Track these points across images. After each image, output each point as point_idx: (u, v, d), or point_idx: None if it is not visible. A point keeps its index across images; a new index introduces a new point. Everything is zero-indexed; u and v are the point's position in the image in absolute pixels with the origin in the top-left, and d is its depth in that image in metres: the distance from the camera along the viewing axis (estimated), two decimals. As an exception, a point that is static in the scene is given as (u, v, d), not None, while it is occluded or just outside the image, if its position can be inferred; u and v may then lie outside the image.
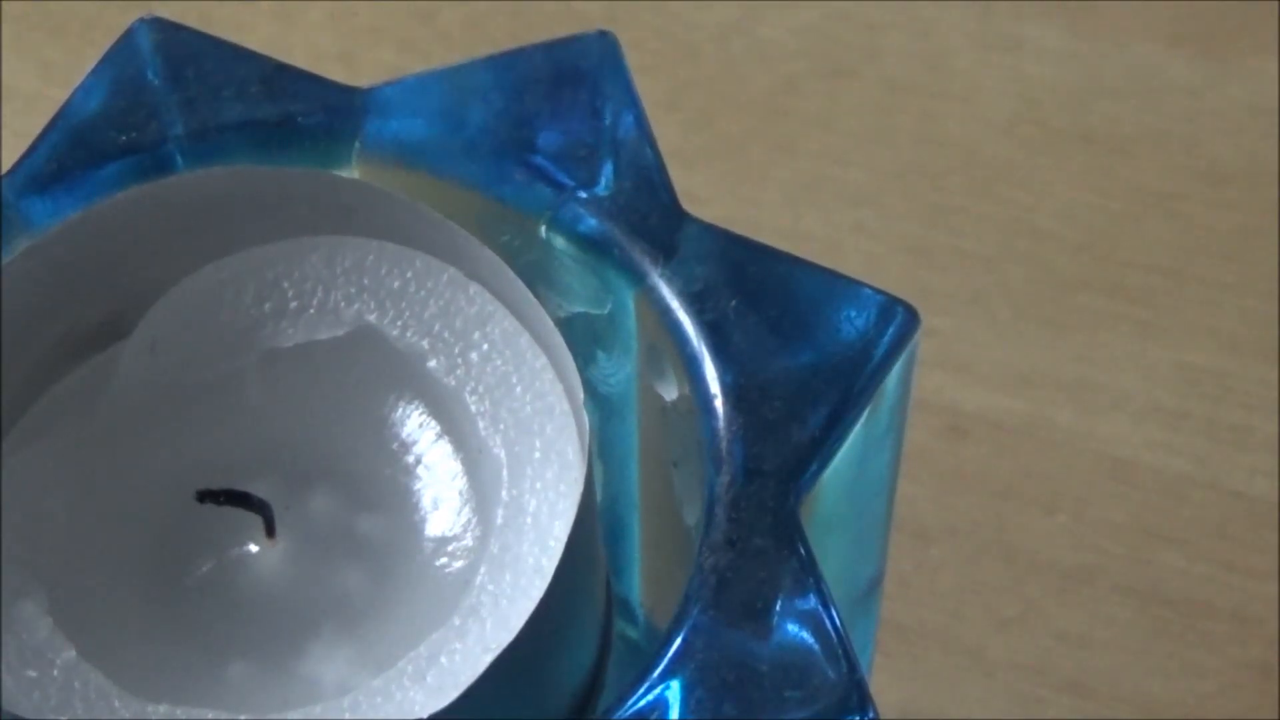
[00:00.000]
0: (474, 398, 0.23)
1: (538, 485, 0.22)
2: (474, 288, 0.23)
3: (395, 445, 0.24)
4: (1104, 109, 0.42)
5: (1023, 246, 0.40)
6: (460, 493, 0.23)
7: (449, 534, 0.23)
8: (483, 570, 0.22)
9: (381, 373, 0.23)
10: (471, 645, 0.21)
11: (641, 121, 0.24)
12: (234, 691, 0.22)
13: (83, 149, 0.24)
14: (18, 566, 0.22)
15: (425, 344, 0.23)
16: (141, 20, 0.25)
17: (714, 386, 0.22)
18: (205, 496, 0.23)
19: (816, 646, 0.21)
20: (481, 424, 0.23)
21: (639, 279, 0.23)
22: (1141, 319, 0.39)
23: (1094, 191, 0.41)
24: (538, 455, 0.22)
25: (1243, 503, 0.37)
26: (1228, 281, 0.40)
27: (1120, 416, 0.38)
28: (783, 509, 0.21)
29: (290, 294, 0.23)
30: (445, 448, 0.23)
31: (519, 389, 0.23)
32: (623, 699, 0.20)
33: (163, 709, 0.21)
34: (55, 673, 0.21)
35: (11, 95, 0.43)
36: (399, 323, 0.23)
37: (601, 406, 0.25)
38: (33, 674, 0.21)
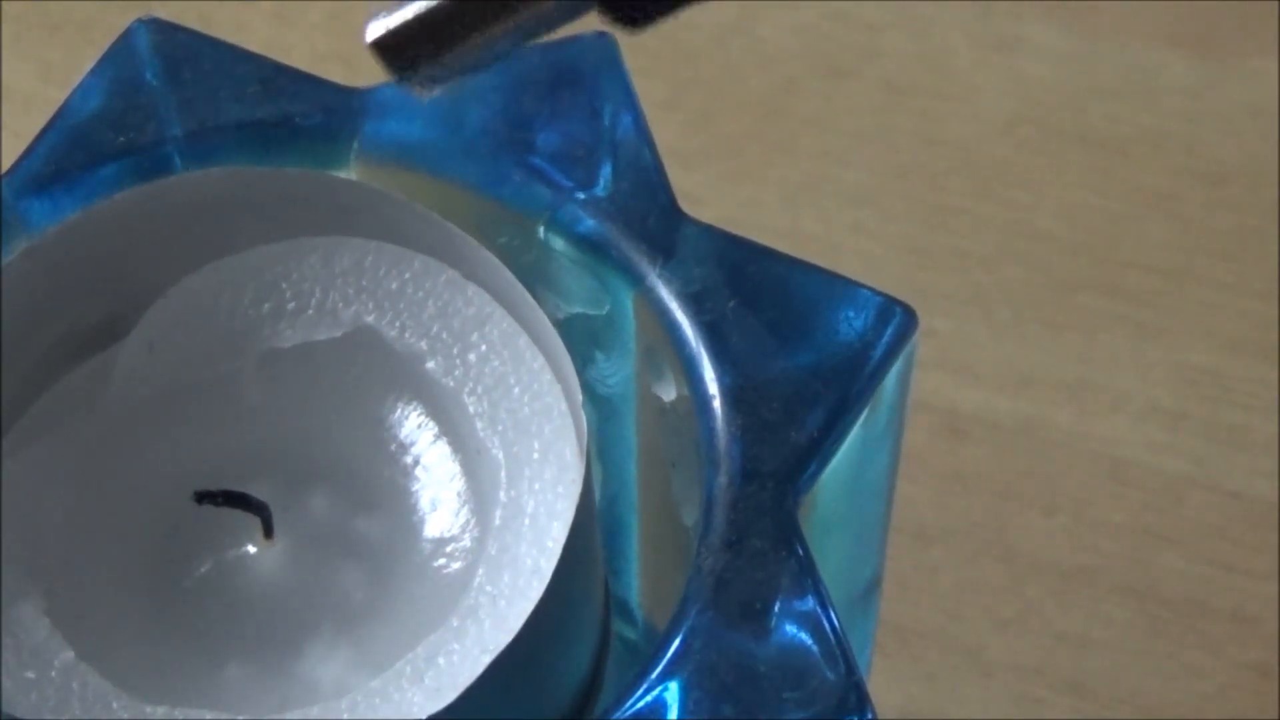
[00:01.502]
0: (472, 399, 0.23)
1: (536, 486, 0.22)
2: (472, 289, 0.23)
3: (393, 446, 0.24)
4: (1103, 109, 0.42)
5: (1022, 247, 0.40)
6: (458, 494, 0.23)
7: (447, 535, 0.23)
8: (481, 571, 0.22)
9: (380, 373, 0.23)
10: (469, 646, 0.21)
11: (640, 122, 0.24)
12: (232, 692, 0.22)
13: (81, 150, 0.24)
14: (16, 567, 0.22)
15: (423, 345, 0.23)
16: (140, 21, 0.25)
17: (712, 387, 0.22)
18: (203, 498, 0.23)
19: (815, 647, 0.21)
20: (480, 425, 0.23)
21: (637, 280, 0.23)
22: (1140, 319, 0.39)
23: (1093, 192, 0.41)
24: (536, 456, 0.22)
25: (1241, 503, 0.37)
26: (1227, 282, 0.39)
27: (1119, 417, 0.38)
28: (781, 510, 0.21)
29: (288, 295, 0.23)
30: (443, 448, 0.23)
31: (517, 390, 0.23)
32: (621, 700, 0.20)
33: (161, 710, 0.21)
34: (53, 674, 0.21)
35: (10, 95, 0.43)
36: (397, 324, 0.23)
37: (600, 407, 0.25)
38: (31, 675, 0.21)
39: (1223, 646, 0.35)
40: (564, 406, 0.23)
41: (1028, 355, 0.39)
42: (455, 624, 0.21)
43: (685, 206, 0.24)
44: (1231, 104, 0.42)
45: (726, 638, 0.21)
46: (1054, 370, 0.38)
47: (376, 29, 0.17)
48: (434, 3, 0.17)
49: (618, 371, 0.25)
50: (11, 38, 0.44)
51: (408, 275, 0.23)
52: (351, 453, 0.24)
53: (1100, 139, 0.42)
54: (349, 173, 0.25)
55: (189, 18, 0.26)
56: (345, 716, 0.21)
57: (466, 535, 0.23)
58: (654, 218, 0.24)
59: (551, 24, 0.18)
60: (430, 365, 0.23)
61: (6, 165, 0.24)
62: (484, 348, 0.23)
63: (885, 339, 0.23)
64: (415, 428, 0.23)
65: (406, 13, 0.17)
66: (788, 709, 0.20)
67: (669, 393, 0.23)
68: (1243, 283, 0.39)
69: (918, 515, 0.36)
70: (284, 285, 0.23)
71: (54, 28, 0.44)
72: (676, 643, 0.21)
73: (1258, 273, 0.40)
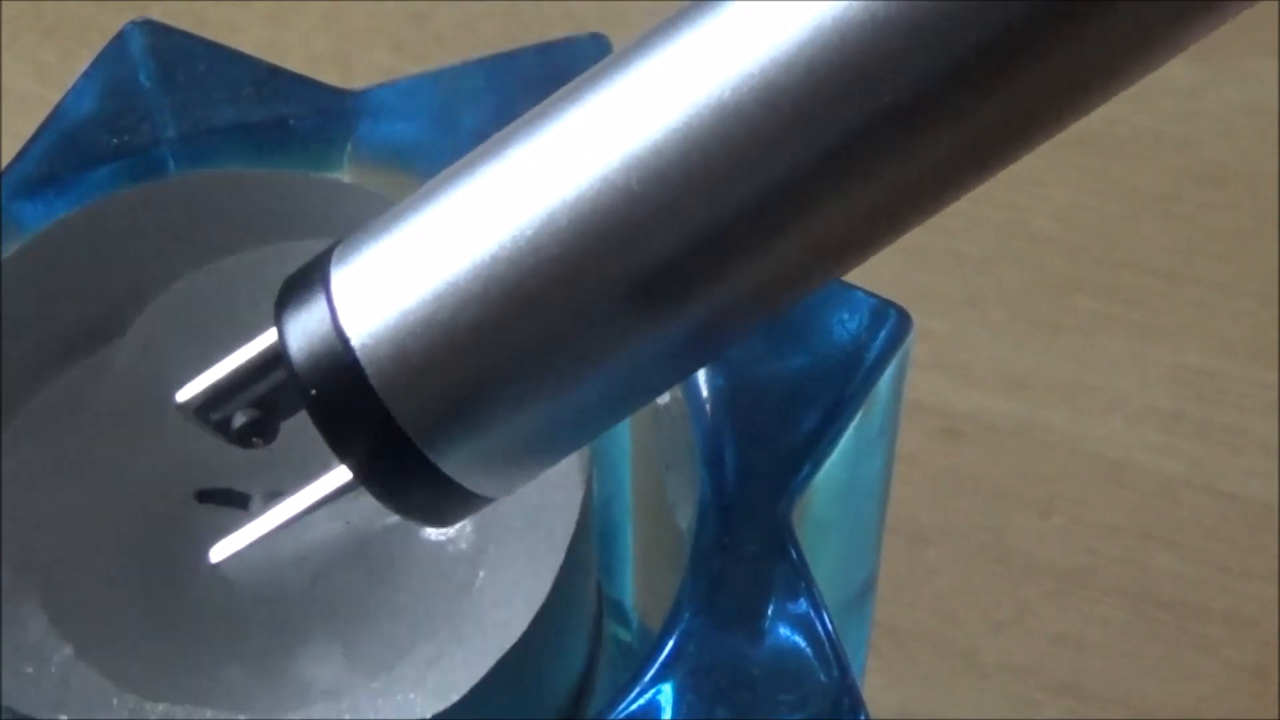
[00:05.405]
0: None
1: (533, 488, 0.22)
2: (467, 290, 0.23)
3: (388, 448, 0.23)
4: (1099, 110, 0.42)
5: (1018, 248, 0.40)
6: (453, 496, 0.23)
7: (446, 537, 0.23)
8: (480, 574, 0.22)
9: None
10: (468, 649, 0.21)
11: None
12: (231, 691, 0.22)
13: (75, 152, 0.24)
14: (15, 564, 0.22)
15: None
16: (133, 23, 0.25)
17: (705, 389, 0.22)
18: (204, 497, 0.23)
19: (809, 650, 0.21)
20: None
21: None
22: (1137, 321, 0.39)
23: (1089, 193, 0.41)
24: (531, 458, 0.22)
25: (1238, 505, 0.37)
26: (1224, 283, 0.39)
27: (1115, 418, 0.38)
28: (775, 512, 0.21)
29: (283, 297, 0.23)
30: (438, 450, 0.23)
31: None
32: (615, 702, 0.20)
33: (160, 707, 0.21)
34: (52, 669, 0.21)
35: (6, 96, 0.43)
36: (392, 325, 0.23)
37: (594, 409, 0.25)
38: (30, 670, 0.21)
39: (1219, 648, 0.35)
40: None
41: (1024, 356, 0.39)
42: (454, 626, 0.21)
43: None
44: (1228, 105, 0.42)
45: (720, 640, 0.21)
46: (1050, 371, 0.38)
47: (219, 552, 0.20)
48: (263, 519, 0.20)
49: (612, 373, 0.24)
50: (7, 39, 0.44)
51: (402, 277, 0.23)
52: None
53: (1097, 140, 0.42)
54: (343, 175, 0.25)
55: (183, 19, 0.26)
56: (346, 717, 0.21)
57: (464, 538, 0.23)
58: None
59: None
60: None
61: (1, 167, 0.24)
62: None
63: (880, 341, 0.23)
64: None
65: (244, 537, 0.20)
66: (782, 712, 0.20)
67: (663, 395, 0.23)
68: (1239, 284, 0.39)
69: (913, 517, 0.36)
70: (278, 287, 0.23)
71: (49, 29, 0.44)
72: (670, 645, 0.21)
73: (1255, 274, 0.40)
